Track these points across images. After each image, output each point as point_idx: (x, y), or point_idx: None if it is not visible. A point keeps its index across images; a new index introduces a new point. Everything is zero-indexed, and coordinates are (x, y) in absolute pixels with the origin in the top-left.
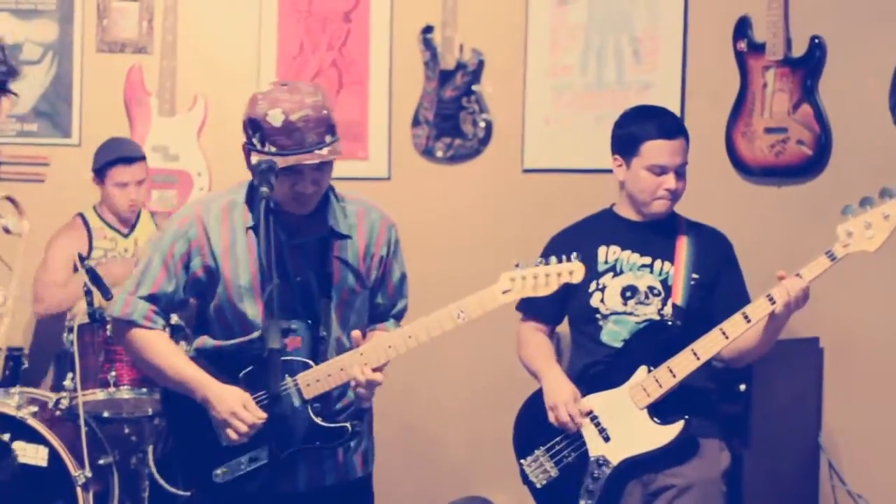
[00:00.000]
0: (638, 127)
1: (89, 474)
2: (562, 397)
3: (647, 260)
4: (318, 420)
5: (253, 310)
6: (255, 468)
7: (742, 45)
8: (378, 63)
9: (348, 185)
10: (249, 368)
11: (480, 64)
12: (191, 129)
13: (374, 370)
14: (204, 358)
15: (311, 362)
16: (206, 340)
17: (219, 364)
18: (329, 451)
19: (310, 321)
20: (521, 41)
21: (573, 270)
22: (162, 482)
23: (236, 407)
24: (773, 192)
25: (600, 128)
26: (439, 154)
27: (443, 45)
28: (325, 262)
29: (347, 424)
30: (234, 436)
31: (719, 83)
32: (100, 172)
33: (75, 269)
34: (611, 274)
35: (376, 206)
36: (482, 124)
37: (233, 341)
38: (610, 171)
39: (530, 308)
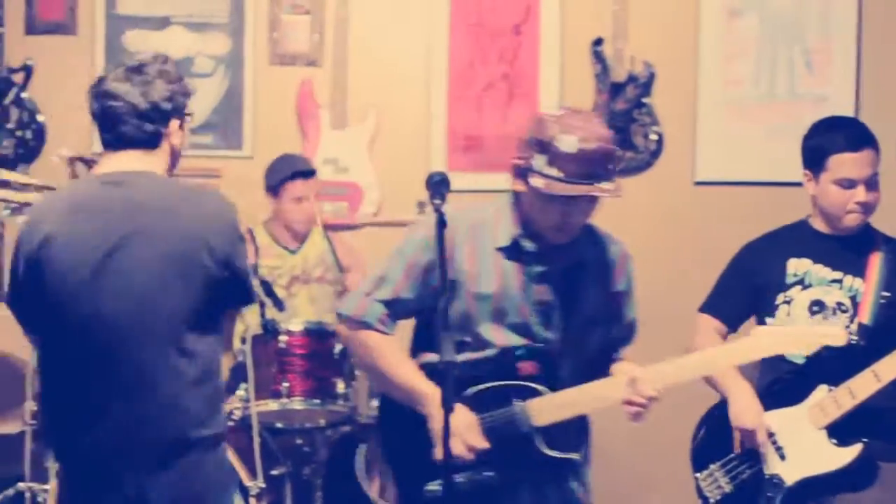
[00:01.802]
0: (823, 140)
1: (262, 485)
2: (753, 421)
3: (838, 275)
4: (545, 449)
5: (488, 329)
6: (470, 489)
7: None
8: (548, 75)
9: None
10: (478, 388)
11: (651, 76)
12: (361, 142)
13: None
14: (427, 374)
15: (545, 389)
16: (430, 356)
17: (442, 380)
18: (554, 479)
19: (549, 348)
20: (692, 53)
21: (836, 335)
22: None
23: (461, 428)
24: None
25: (772, 140)
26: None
27: (614, 57)
28: (570, 291)
29: (577, 455)
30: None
31: (894, 95)
32: (275, 188)
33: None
34: (799, 287)
35: (615, 237)
36: (653, 137)
37: (464, 358)
38: (783, 183)
39: (715, 306)
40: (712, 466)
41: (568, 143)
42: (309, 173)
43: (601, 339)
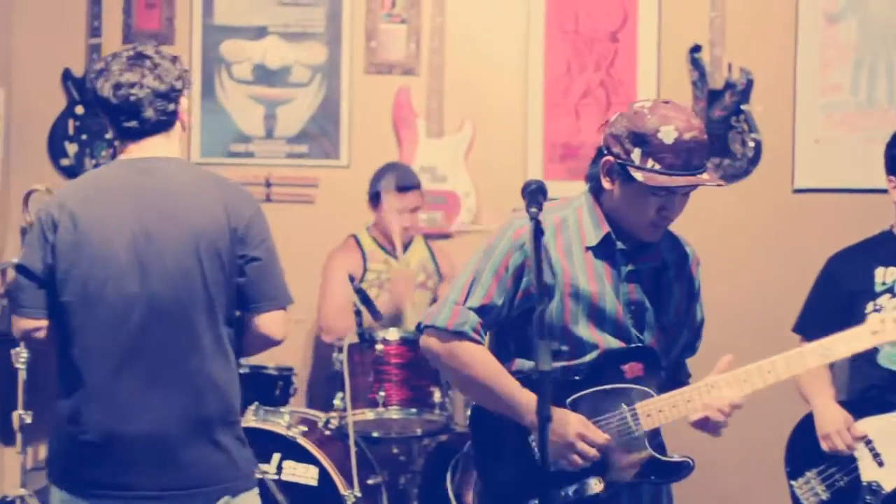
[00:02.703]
0: None
1: (359, 494)
2: (833, 425)
3: None
4: (656, 454)
5: (587, 330)
6: (578, 500)
7: None
8: (646, 83)
9: None
10: (583, 392)
11: (749, 83)
12: (458, 151)
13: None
14: (521, 382)
15: (652, 392)
16: (522, 363)
17: (539, 388)
18: (656, 485)
19: (652, 349)
20: (790, 59)
21: None
22: None
23: (581, 427)
24: None
25: (871, 147)
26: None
27: (711, 64)
28: (658, 292)
29: (690, 459)
30: (578, 461)
31: None
32: (375, 197)
33: None
34: (888, 295)
35: (685, 239)
36: (751, 144)
37: (560, 363)
38: (882, 190)
39: (805, 325)
40: (808, 474)
41: (667, 134)
42: (406, 188)
43: (682, 342)
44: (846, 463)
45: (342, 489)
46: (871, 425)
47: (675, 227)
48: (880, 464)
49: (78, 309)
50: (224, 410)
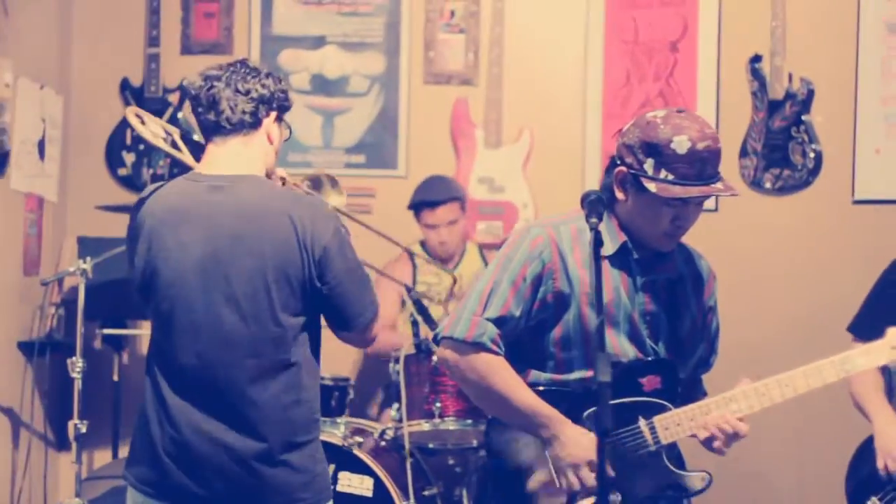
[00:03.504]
0: None
1: None
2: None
3: None
4: (674, 468)
5: (607, 335)
6: None
7: None
8: (705, 93)
9: None
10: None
11: (810, 93)
12: (516, 161)
13: (740, 420)
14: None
15: (670, 405)
16: (537, 375)
17: (556, 400)
18: (673, 500)
19: (669, 361)
20: (851, 70)
21: None
22: None
23: (592, 455)
24: None
25: None
26: (767, 185)
27: (771, 74)
28: (674, 304)
29: (708, 473)
30: (575, 484)
31: None
32: (415, 210)
33: (403, 305)
34: None
35: (700, 252)
36: (812, 155)
37: (577, 375)
38: None
39: (860, 325)
40: (872, 499)
41: (680, 144)
42: (436, 203)
43: (697, 355)
44: None
45: (398, 500)
46: None
47: (735, 237)
48: None
49: (157, 325)
50: (288, 432)
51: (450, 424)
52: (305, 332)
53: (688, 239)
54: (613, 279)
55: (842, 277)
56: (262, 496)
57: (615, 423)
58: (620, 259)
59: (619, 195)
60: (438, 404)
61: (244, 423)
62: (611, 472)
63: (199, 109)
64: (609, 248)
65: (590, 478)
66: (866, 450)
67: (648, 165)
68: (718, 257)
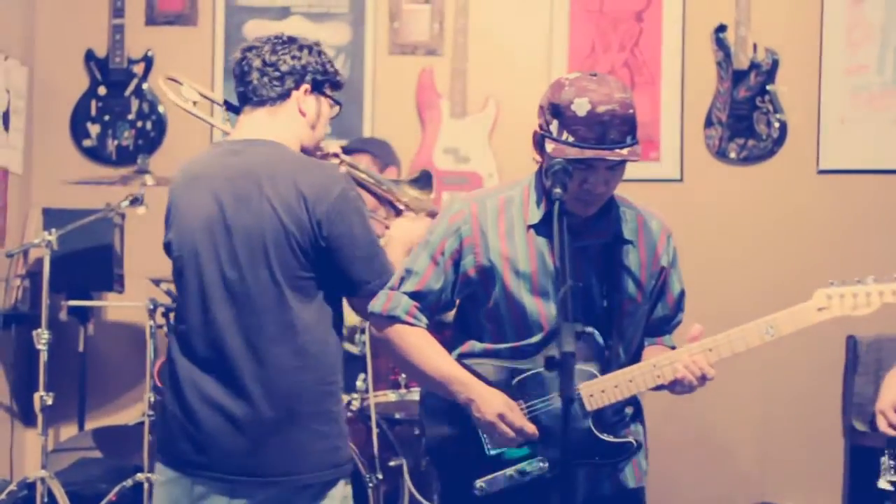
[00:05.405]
0: None
1: (380, 476)
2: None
3: None
4: (600, 433)
5: (532, 310)
6: (523, 481)
7: None
8: (670, 63)
9: (639, 186)
10: (525, 374)
11: (775, 63)
12: (482, 131)
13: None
14: (471, 360)
15: (596, 372)
16: (473, 345)
17: (487, 370)
18: (603, 465)
19: (594, 329)
20: (815, 39)
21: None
22: (417, 495)
23: (503, 408)
24: None
25: None
26: (732, 155)
27: (736, 44)
28: (608, 269)
29: (632, 439)
30: (502, 441)
31: None
32: None
33: None
34: None
35: (654, 212)
36: (776, 125)
37: (508, 344)
38: None
39: None
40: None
41: (580, 106)
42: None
43: (644, 319)
44: None
45: (364, 471)
46: None
47: (700, 207)
48: None
49: (176, 287)
50: (292, 400)
51: (416, 395)
52: (316, 299)
53: (652, 207)
54: (538, 249)
55: (807, 247)
56: (258, 466)
57: (543, 390)
58: (546, 227)
59: (536, 157)
60: (404, 375)
61: (242, 387)
62: (533, 431)
63: (235, 81)
64: (533, 217)
65: (508, 431)
66: None
67: (553, 127)
68: (683, 227)
